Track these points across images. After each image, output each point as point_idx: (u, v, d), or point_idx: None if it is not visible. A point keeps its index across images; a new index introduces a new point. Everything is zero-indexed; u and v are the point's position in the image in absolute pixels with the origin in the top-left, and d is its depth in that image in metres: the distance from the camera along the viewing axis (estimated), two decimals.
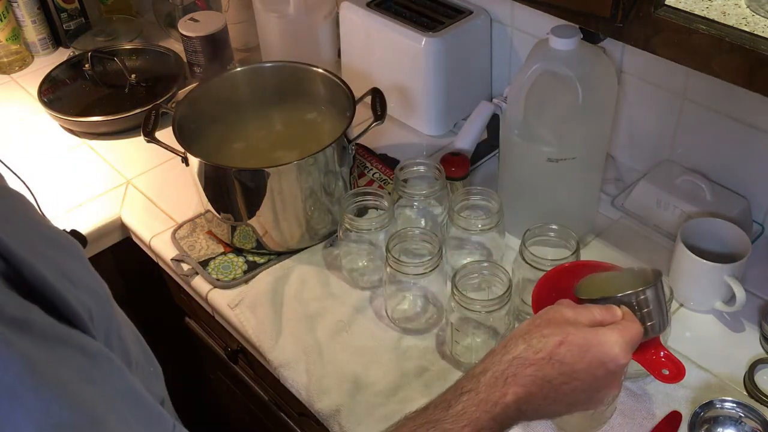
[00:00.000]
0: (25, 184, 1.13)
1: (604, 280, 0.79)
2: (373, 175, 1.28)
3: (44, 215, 0.62)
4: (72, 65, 1.56)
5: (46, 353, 0.47)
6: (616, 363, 0.67)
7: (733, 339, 0.99)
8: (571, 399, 0.67)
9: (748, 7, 0.71)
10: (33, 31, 1.65)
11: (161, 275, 1.27)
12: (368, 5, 1.36)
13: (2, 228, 0.49)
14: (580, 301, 0.75)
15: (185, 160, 1.10)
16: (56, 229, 0.61)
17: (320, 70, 1.21)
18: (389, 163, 1.29)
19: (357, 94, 1.15)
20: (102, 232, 1.26)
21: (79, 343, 0.50)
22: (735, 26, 0.69)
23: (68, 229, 1.17)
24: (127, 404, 0.52)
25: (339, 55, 1.48)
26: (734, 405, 0.87)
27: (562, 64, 0.97)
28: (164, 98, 1.43)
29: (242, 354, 1.19)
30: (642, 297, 0.73)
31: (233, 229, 1.13)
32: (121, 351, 0.60)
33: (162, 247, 1.19)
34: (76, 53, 1.60)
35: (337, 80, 1.18)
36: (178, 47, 1.58)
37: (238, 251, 1.15)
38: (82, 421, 0.46)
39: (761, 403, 0.91)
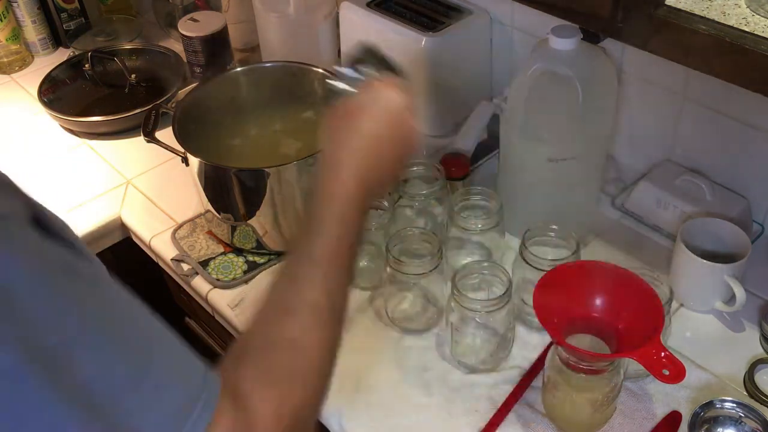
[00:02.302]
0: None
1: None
2: None
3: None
4: (72, 65, 1.56)
5: (98, 287, 0.51)
6: (407, 110, 0.75)
7: (733, 339, 0.99)
8: (393, 156, 0.74)
9: (748, 7, 0.71)
10: (33, 31, 1.65)
11: (161, 275, 1.27)
12: (368, 5, 1.36)
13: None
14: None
15: (185, 160, 1.10)
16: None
17: (320, 70, 1.21)
18: None
19: None
20: (102, 232, 1.26)
21: (111, 280, 0.54)
22: (735, 26, 0.69)
23: None
24: (163, 332, 0.54)
25: (339, 55, 1.48)
26: (734, 405, 0.87)
27: (562, 64, 0.97)
28: (164, 98, 1.43)
29: None
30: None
31: (233, 229, 1.13)
32: None
33: (162, 247, 1.19)
34: (76, 53, 1.60)
35: None
36: (178, 47, 1.58)
37: (238, 251, 1.15)
38: (138, 344, 0.51)
39: (761, 403, 0.91)
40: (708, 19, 0.70)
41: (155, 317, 0.55)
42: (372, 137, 0.72)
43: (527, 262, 0.95)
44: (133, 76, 1.51)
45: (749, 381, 0.93)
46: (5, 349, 0.43)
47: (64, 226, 0.53)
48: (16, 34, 1.62)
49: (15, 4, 1.61)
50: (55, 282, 0.47)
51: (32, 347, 0.44)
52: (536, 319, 0.85)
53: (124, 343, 0.50)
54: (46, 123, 1.47)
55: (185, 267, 1.15)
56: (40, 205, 0.51)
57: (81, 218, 1.26)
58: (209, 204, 1.13)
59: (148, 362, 0.50)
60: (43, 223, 0.50)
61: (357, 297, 1.08)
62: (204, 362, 0.55)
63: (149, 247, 1.22)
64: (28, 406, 0.44)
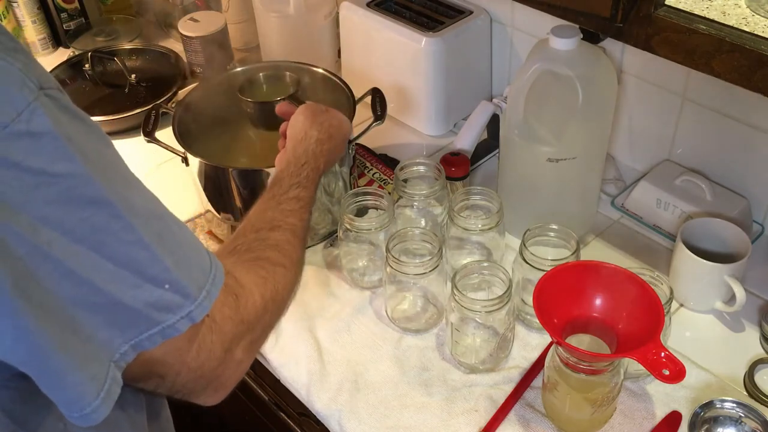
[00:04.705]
0: None
1: (263, 87, 1.19)
2: (373, 175, 1.28)
3: None
4: (72, 65, 1.56)
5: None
6: (348, 128, 1.04)
7: (733, 339, 0.99)
8: (337, 151, 1.00)
9: (748, 7, 0.71)
10: (33, 31, 1.65)
11: None
12: (368, 5, 1.36)
13: None
14: (257, 103, 1.14)
15: (185, 160, 1.10)
16: None
17: (320, 70, 1.21)
18: (389, 163, 1.29)
19: (357, 94, 1.15)
20: None
21: None
22: (735, 26, 0.69)
23: None
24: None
25: (339, 55, 1.48)
26: (734, 405, 0.87)
27: (562, 64, 0.97)
28: (164, 98, 1.43)
29: None
30: (293, 95, 1.13)
31: (233, 229, 1.13)
32: None
33: None
34: (76, 53, 1.60)
35: (337, 80, 1.18)
36: (178, 47, 1.58)
37: None
38: (164, 210, 0.62)
39: (761, 403, 0.91)
40: (708, 19, 0.70)
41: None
42: (332, 138, 0.99)
43: (527, 262, 0.95)
44: (133, 76, 1.51)
45: (749, 381, 0.93)
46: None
47: None
48: (16, 34, 1.62)
49: (15, 4, 1.61)
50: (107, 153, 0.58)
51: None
52: (536, 319, 0.85)
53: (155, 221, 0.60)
54: None
55: None
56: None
57: None
58: (209, 204, 1.13)
59: (173, 226, 0.62)
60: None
61: (357, 297, 1.08)
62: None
63: None
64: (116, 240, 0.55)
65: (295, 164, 0.93)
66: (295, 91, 1.14)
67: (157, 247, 0.57)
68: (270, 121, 1.10)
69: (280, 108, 1.05)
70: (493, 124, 1.19)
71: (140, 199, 0.58)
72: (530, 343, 1.00)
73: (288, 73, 1.18)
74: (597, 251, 1.11)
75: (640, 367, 0.78)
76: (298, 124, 0.97)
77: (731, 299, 0.98)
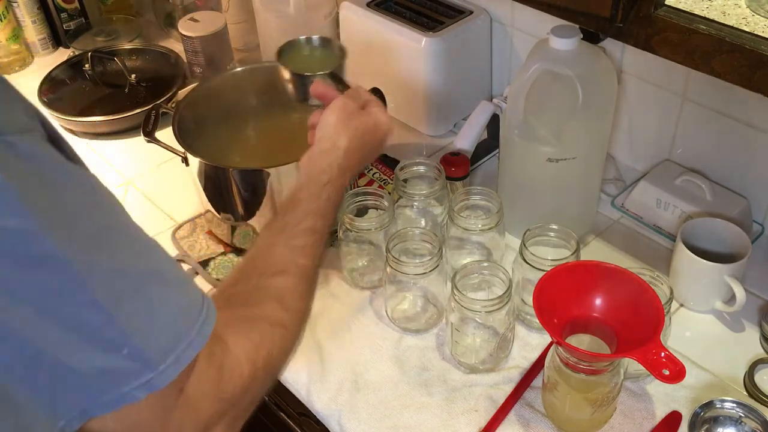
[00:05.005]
0: None
1: (306, 54, 1.03)
2: (373, 175, 1.28)
3: None
4: (72, 65, 1.56)
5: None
6: (391, 131, 0.92)
7: (733, 339, 0.99)
8: (369, 160, 0.93)
9: (748, 7, 0.71)
10: (33, 31, 1.65)
11: None
12: (368, 5, 1.36)
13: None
14: (292, 72, 0.98)
15: (185, 160, 1.10)
16: None
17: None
18: (389, 163, 1.29)
19: None
20: None
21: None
22: (735, 26, 0.69)
23: None
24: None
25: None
26: (734, 405, 0.87)
27: (562, 64, 0.97)
28: (164, 98, 1.43)
29: None
30: (338, 72, 0.98)
31: (233, 229, 1.13)
32: None
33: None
34: (76, 53, 1.60)
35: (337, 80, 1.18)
36: (178, 47, 1.58)
37: (238, 251, 1.15)
38: (153, 249, 0.58)
39: (761, 403, 0.91)
40: (708, 19, 0.70)
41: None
42: (364, 154, 0.90)
43: (527, 262, 0.95)
44: (133, 76, 1.51)
45: (749, 381, 0.93)
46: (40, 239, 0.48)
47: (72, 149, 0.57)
48: (16, 34, 1.62)
49: (15, 4, 1.61)
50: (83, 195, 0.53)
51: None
52: (536, 319, 0.85)
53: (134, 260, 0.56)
54: None
55: (185, 267, 1.15)
56: (51, 125, 0.56)
57: None
58: (209, 204, 1.13)
59: (162, 265, 0.57)
60: (57, 143, 0.54)
61: (357, 297, 1.08)
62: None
63: None
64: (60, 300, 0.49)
65: (315, 183, 0.83)
66: (338, 65, 0.99)
67: (114, 309, 0.51)
68: (303, 95, 0.99)
69: (315, 88, 0.94)
70: (493, 124, 1.19)
71: (107, 256, 0.53)
72: (530, 343, 1.00)
73: (337, 43, 1.04)
74: (597, 251, 1.11)
75: (640, 367, 0.78)
76: (328, 128, 0.87)
77: (731, 299, 0.98)
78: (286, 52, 1.01)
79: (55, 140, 0.54)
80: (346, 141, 0.86)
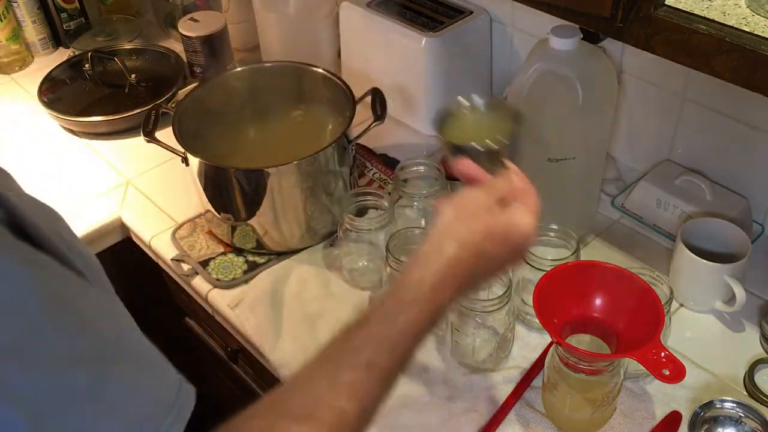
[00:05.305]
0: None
1: (469, 121, 0.79)
2: (373, 175, 1.28)
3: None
4: (72, 65, 1.56)
5: (64, 288, 0.47)
6: (531, 242, 0.70)
7: (733, 339, 0.99)
8: (487, 278, 0.74)
9: (748, 7, 0.71)
10: (33, 31, 1.65)
11: (161, 275, 1.27)
12: (368, 5, 1.36)
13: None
14: (451, 145, 0.77)
15: (185, 160, 1.10)
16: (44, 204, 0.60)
17: (320, 70, 1.21)
18: (389, 163, 1.29)
19: (357, 94, 1.15)
20: (102, 232, 1.26)
21: (87, 284, 0.51)
22: (735, 26, 0.69)
23: None
24: (137, 340, 0.52)
25: (339, 55, 1.48)
26: (734, 405, 0.87)
27: (562, 64, 0.97)
28: (164, 98, 1.43)
29: (242, 354, 1.18)
30: (511, 146, 0.75)
31: (233, 229, 1.13)
32: None
33: (162, 247, 1.19)
34: (76, 53, 1.60)
35: (337, 80, 1.18)
36: (178, 47, 1.58)
37: (238, 251, 1.15)
38: (102, 352, 0.47)
39: (761, 403, 0.91)
40: (708, 19, 0.70)
41: (132, 328, 0.52)
42: (489, 261, 0.69)
43: (527, 262, 0.95)
44: (133, 76, 1.51)
45: (749, 381, 0.93)
46: None
47: (53, 226, 0.51)
48: (16, 34, 1.62)
49: (15, 4, 1.61)
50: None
51: None
52: (536, 319, 0.85)
53: (87, 346, 0.47)
54: (46, 123, 1.47)
55: (185, 267, 1.15)
56: (21, 208, 0.49)
57: (81, 218, 1.26)
58: (209, 204, 1.13)
59: (111, 370, 0.48)
60: (24, 227, 0.48)
61: (357, 297, 1.08)
62: (178, 374, 0.53)
63: (149, 247, 1.22)
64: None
65: (395, 300, 0.64)
66: (501, 147, 0.77)
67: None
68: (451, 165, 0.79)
69: (459, 166, 0.74)
70: None
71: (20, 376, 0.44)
72: (530, 343, 1.00)
73: (512, 108, 0.82)
74: (597, 251, 1.11)
75: (640, 367, 0.78)
76: (441, 224, 0.69)
77: (731, 299, 0.98)
78: (446, 118, 0.82)
79: (17, 222, 0.48)
80: (456, 247, 0.66)
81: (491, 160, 0.74)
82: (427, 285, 0.64)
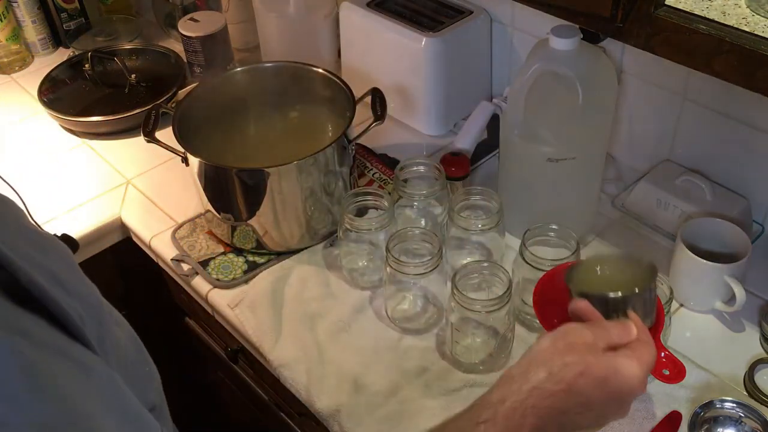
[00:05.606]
0: (14, 189, 1.13)
1: (598, 270, 0.78)
2: (373, 175, 1.28)
3: (34, 220, 0.59)
4: (72, 65, 1.56)
5: (45, 362, 0.46)
6: (634, 395, 0.66)
7: (733, 339, 0.99)
8: (580, 425, 0.66)
9: (748, 7, 0.71)
10: (33, 31, 1.65)
11: (161, 275, 1.27)
12: (368, 5, 1.36)
13: None
14: (570, 292, 0.74)
15: (185, 160, 1.10)
16: (47, 234, 0.60)
17: (320, 70, 1.21)
18: (389, 163, 1.29)
19: (357, 94, 1.15)
20: (102, 232, 1.26)
21: (76, 355, 0.50)
22: (735, 26, 0.69)
23: (59, 234, 1.16)
24: (118, 417, 0.51)
25: (339, 55, 1.48)
26: (734, 405, 0.87)
27: (562, 64, 0.97)
28: (164, 98, 1.43)
29: (242, 354, 1.19)
30: (640, 298, 0.72)
31: (233, 229, 1.13)
32: (115, 355, 0.59)
33: (162, 247, 1.19)
34: (76, 53, 1.60)
35: (337, 80, 1.18)
36: (178, 47, 1.58)
37: (238, 251, 1.15)
38: (74, 428, 0.46)
39: (761, 403, 0.91)
40: (708, 19, 0.70)
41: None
42: (580, 405, 0.64)
43: (527, 262, 0.95)
44: (133, 76, 1.51)
45: (749, 381, 0.93)
46: None
47: (40, 289, 0.49)
48: (16, 34, 1.62)
49: (15, 4, 1.61)
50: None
51: None
52: (536, 319, 0.85)
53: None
54: (46, 123, 1.47)
55: (185, 267, 1.15)
56: (17, 265, 0.48)
57: (81, 218, 1.26)
58: (209, 204, 1.13)
59: None
60: (16, 286, 0.47)
61: (357, 297, 1.08)
62: None
63: (149, 247, 1.22)
64: None
65: (470, 418, 0.63)
66: (630, 297, 0.73)
67: None
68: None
69: (574, 307, 0.72)
70: (493, 124, 1.19)
71: None
72: (530, 343, 0.99)
73: (647, 262, 0.77)
74: (597, 251, 1.11)
75: None
76: (535, 349, 0.66)
77: (731, 299, 0.98)
78: (578, 272, 0.79)
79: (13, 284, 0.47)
80: (543, 377, 0.63)
81: (616, 309, 0.71)
82: (506, 407, 0.62)
